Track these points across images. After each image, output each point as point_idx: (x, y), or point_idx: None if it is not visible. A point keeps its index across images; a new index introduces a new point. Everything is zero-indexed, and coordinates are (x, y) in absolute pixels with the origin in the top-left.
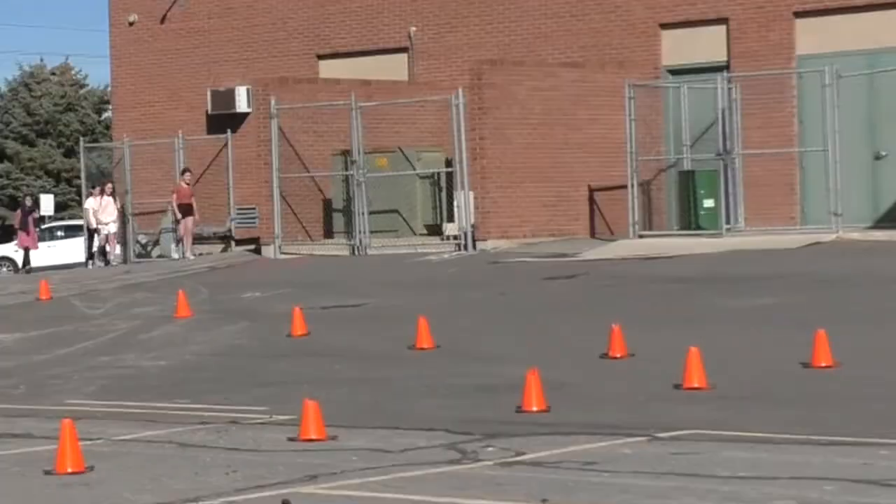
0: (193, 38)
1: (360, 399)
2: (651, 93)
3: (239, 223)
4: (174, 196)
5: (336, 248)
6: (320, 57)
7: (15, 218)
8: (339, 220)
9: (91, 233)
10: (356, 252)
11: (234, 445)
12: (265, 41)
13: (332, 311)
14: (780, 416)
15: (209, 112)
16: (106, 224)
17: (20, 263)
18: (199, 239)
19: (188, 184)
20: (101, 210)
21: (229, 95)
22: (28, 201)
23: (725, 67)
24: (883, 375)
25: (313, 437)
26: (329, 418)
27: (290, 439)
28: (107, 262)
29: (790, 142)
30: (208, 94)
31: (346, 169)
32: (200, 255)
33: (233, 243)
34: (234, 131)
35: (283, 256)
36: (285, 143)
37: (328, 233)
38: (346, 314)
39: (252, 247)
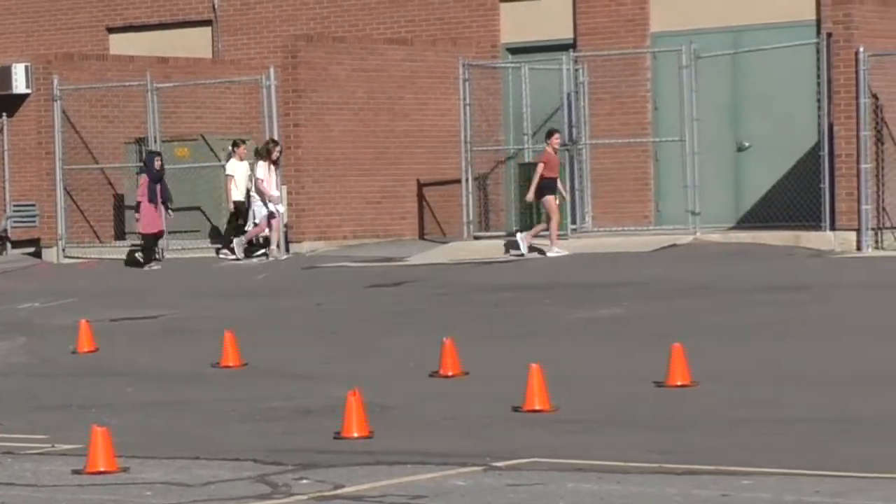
0: None
1: (156, 425)
2: (488, 74)
3: (16, 222)
4: (541, 167)
5: (129, 251)
6: (111, 30)
7: (140, 187)
8: (132, 219)
9: (239, 210)
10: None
11: (8, 479)
12: (47, 11)
13: (125, 324)
14: (632, 442)
15: None
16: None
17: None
18: None
19: (556, 150)
20: (270, 181)
21: (5, 73)
22: (157, 162)
23: (571, 46)
24: (745, 396)
25: (102, 468)
26: (120, 447)
27: (75, 472)
28: (264, 254)
29: (644, 130)
30: None
31: (141, 160)
32: None
33: (8, 245)
34: (10, 115)
35: (68, 260)
36: (70, 129)
37: (120, 233)
38: (140, 327)
39: (31, 249)
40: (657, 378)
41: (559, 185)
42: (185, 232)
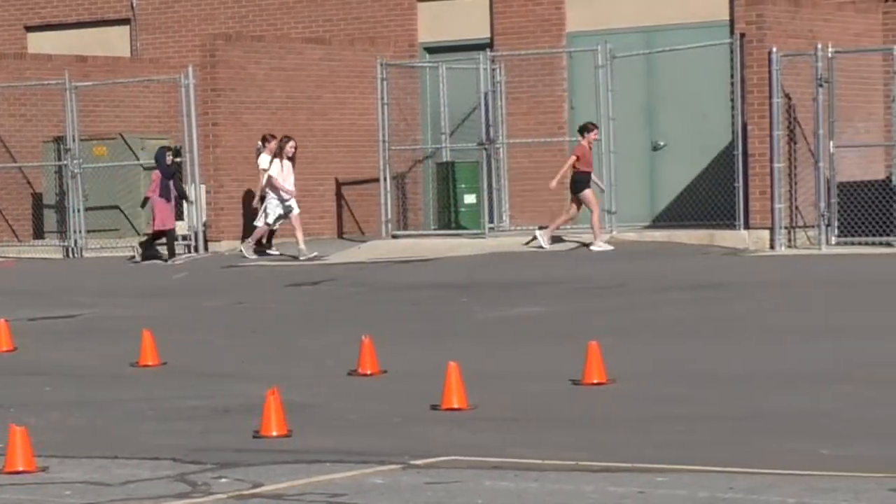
0: None
1: (75, 424)
2: (406, 73)
3: None
4: (573, 159)
5: (47, 250)
6: (29, 29)
7: (151, 182)
8: (51, 218)
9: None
10: (70, 254)
11: None
12: None
13: (43, 324)
14: (549, 440)
15: None
16: (290, 197)
17: (140, 250)
18: None
19: (592, 144)
20: (285, 178)
21: None
22: (169, 158)
23: (488, 46)
24: (659, 393)
25: (20, 468)
26: (39, 447)
27: None
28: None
29: (560, 130)
30: None
31: (60, 158)
32: None
33: None
34: None
35: None
36: None
37: (38, 232)
38: (58, 327)
39: None
40: (574, 376)
41: (595, 177)
42: (105, 231)
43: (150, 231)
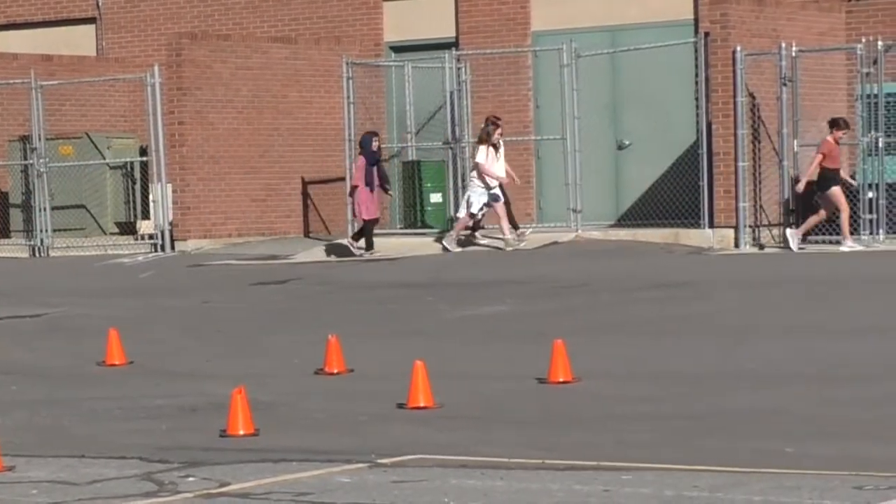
0: None
1: (42, 423)
2: (372, 72)
3: None
4: (819, 157)
5: (13, 248)
6: None
7: (357, 170)
8: (17, 217)
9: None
10: (37, 253)
11: None
12: None
13: (8, 323)
14: (515, 439)
15: None
16: (495, 186)
17: (350, 240)
18: None
19: (839, 140)
20: (491, 163)
21: None
22: (374, 143)
23: (454, 44)
24: (624, 392)
25: None
26: (5, 446)
27: None
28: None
29: (525, 129)
30: None
31: (26, 157)
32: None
33: None
34: None
35: None
36: None
37: (5, 231)
38: (24, 326)
39: None
40: (539, 375)
41: (843, 174)
42: (71, 230)
43: (361, 221)
